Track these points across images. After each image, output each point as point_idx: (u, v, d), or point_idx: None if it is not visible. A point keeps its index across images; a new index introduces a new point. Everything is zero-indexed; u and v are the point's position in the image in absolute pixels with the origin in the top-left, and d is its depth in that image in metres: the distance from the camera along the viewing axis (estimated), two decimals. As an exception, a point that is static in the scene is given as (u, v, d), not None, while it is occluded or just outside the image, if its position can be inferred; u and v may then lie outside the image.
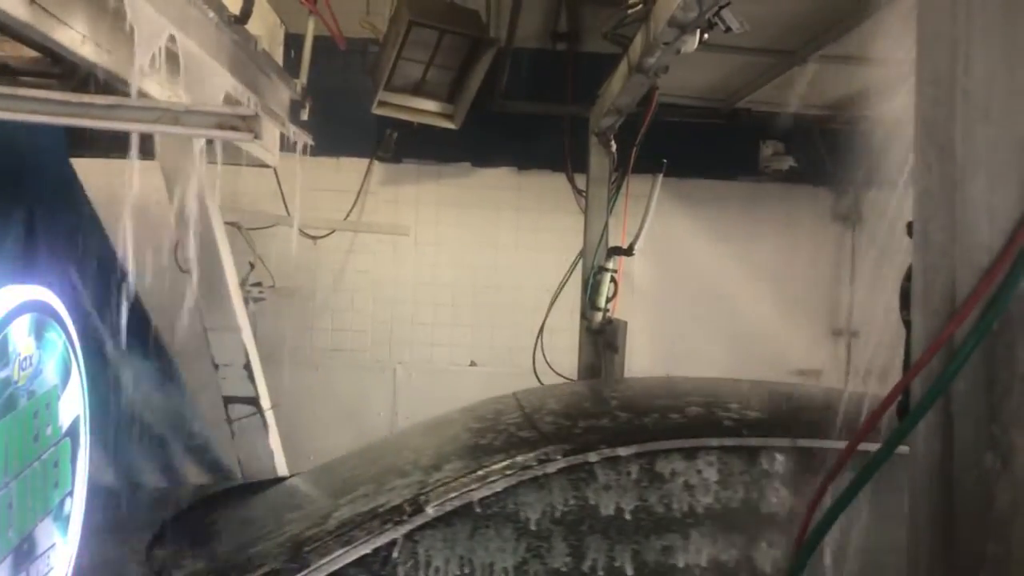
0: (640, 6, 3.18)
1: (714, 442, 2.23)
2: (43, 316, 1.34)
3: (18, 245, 1.92)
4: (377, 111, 5.16)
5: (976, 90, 1.01)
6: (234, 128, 1.50)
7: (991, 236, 0.99)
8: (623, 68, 3.62)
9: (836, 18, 3.81)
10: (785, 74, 4.63)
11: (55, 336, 1.38)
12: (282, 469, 3.86)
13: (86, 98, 1.55)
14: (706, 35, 2.88)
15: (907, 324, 1.12)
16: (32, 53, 2.55)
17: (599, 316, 4.38)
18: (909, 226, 1.13)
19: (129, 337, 2.56)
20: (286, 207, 5.31)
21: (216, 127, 1.50)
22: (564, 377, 4.65)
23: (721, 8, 2.69)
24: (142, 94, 2.29)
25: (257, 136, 1.52)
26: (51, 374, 1.37)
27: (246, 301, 4.20)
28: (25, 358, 1.29)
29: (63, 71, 2.62)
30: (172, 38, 2.37)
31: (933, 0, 1.08)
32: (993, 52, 1.01)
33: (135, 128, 1.55)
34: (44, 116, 1.51)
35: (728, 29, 2.77)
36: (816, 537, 1.06)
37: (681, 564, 2.12)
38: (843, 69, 4.34)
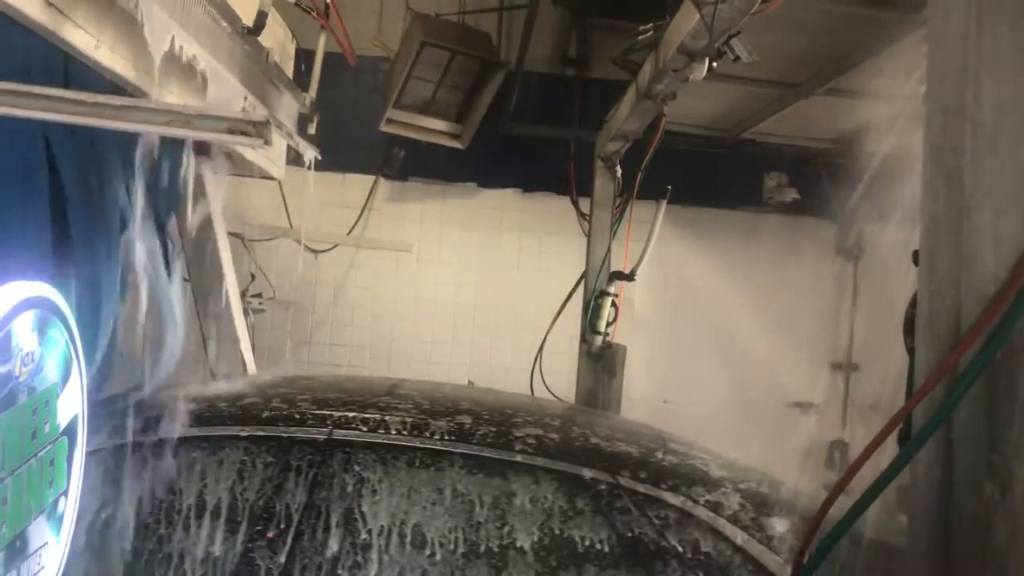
0: (650, 33, 3.21)
1: (244, 432, 2.20)
2: (46, 313, 1.34)
3: (25, 242, 1.93)
4: (385, 128, 5.19)
5: (985, 120, 1.01)
6: (245, 133, 1.50)
7: (996, 265, 1.00)
8: (631, 94, 3.64)
9: (844, 53, 3.84)
10: (791, 106, 4.66)
11: (57, 334, 1.38)
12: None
13: (100, 98, 1.56)
14: (715, 64, 2.90)
15: (911, 351, 1.12)
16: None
17: (599, 340, 4.37)
18: (915, 254, 1.14)
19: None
20: (289, 220, 5.32)
21: (227, 131, 1.51)
22: (562, 400, 4.64)
23: (731, 38, 2.71)
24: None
25: (267, 142, 1.53)
26: (52, 372, 1.37)
27: (246, 312, 4.20)
28: (27, 354, 1.29)
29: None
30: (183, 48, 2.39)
31: (945, 32, 1.09)
32: (1003, 84, 1.02)
33: (147, 130, 1.56)
34: (57, 115, 1.51)
35: (737, 58, 2.79)
36: (818, 558, 1.06)
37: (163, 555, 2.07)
38: (849, 103, 4.36)
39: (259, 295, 4.90)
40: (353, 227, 5.71)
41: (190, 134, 1.56)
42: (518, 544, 2.05)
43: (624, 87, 3.82)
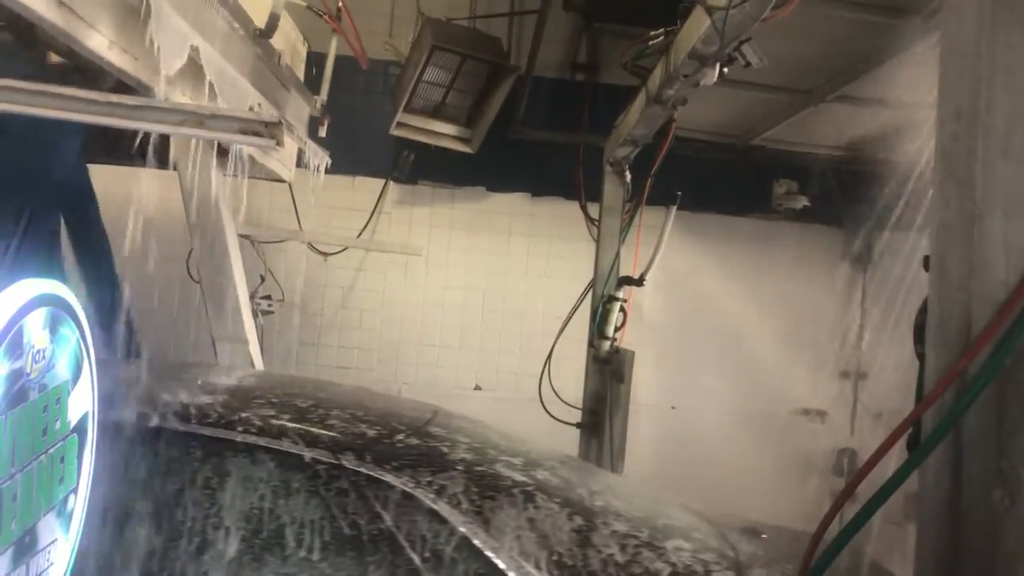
0: (661, 38, 3.21)
1: None
2: (58, 311, 1.35)
3: (37, 242, 1.94)
4: (395, 132, 5.20)
5: (997, 126, 1.01)
6: (257, 134, 1.51)
7: (1007, 271, 1.00)
8: (641, 99, 3.64)
9: (854, 60, 3.84)
10: (801, 113, 4.65)
11: (69, 332, 1.39)
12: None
13: (113, 98, 1.57)
14: (726, 69, 2.90)
15: (921, 357, 1.12)
16: (55, 59, 2.59)
17: (607, 345, 4.37)
18: (926, 260, 1.13)
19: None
20: (299, 222, 5.34)
21: (239, 132, 1.51)
22: (570, 405, 4.64)
23: (742, 43, 2.71)
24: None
25: (279, 143, 1.53)
26: (63, 369, 1.38)
27: (255, 314, 4.21)
28: (39, 351, 1.29)
29: (87, 77, 2.65)
30: (196, 49, 2.40)
31: (958, 38, 1.09)
32: (1016, 91, 1.02)
33: (160, 129, 1.57)
34: (71, 114, 1.52)
35: (748, 64, 2.79)
36: (822, 565, 1.05)
37: None
38: (859, 110, 4.36)
39: (268, 297, 4.91)
40: (362, 230, 5.72)
41: (203, 134, 1.57)
42: (226, 524, 2.01)
43: (634, 92, 3.82)
